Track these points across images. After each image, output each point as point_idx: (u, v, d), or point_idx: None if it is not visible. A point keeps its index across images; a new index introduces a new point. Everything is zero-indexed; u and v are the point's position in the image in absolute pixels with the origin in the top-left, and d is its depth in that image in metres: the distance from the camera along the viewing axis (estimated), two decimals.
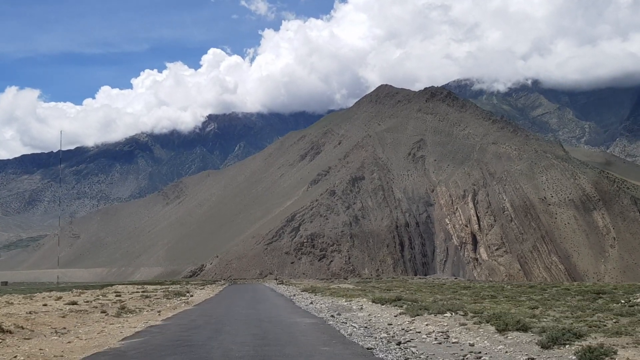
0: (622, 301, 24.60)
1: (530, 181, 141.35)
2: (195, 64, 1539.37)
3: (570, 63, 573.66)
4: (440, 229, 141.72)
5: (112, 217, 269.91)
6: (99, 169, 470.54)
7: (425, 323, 17.25)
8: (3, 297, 32.28)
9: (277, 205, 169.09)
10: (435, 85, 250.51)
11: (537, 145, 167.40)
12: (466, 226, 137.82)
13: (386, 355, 11.99)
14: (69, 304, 28.86)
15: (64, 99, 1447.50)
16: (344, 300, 30.36)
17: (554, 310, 20.42)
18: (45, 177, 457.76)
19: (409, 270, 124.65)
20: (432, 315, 18.78)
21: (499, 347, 12.64)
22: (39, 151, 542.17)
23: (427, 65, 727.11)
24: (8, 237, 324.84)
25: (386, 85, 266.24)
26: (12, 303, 28.27)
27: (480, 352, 12.26)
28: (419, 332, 15.61)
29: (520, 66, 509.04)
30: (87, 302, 31.10)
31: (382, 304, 25.08)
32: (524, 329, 13.91)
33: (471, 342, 13.54)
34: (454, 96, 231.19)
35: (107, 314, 22.94)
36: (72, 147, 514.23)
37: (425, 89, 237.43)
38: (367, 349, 12.78)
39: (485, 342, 13.47)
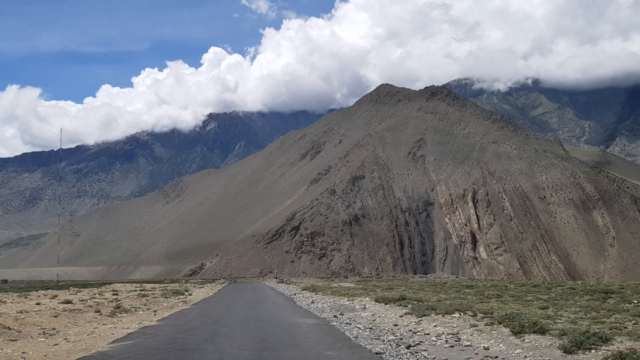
0: (635, 301, 23.79)
1: (530, 180, 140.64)
2: (195, 63, 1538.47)
3: (571, 62, 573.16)
4: (439, 228, 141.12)
5: (112, 215, 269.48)
6: (100, 167, 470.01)
7: (434, 324, 16.40)
8: None
9: (278, 204, 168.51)
10: (436, 85, 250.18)
11: (537, 144, 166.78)
12: (466, 225, 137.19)
13: None
14: (63, 302, 28.09)
15: (64, 97, 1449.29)
16: (346, 299, 29.54)
17: (566, 311, 19.59)
18: (46, 176, 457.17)
19: (409, 269, 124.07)
20: (440, 315, 17.93)
21: (516, 352, 11.72)
22: (39, 149, 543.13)
23: (427, 64, 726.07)
24: (8, 235, 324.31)
25: (387, 84, 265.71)
26: (4, 302, 27.46)
27: (497, 357, 11.36)
28: (428, 334, 14.74)
29: (520, 65, 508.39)
30: (82, 301, 30.29)
31: (386, 304, 24.26)
32: (541, 331, 12.99)
33: (485, 345, 12.63)
34: (454, 95, 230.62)
35: (101, 314, 22.10)
36: (73, 146, 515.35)
37: (426, 88, 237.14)
38: (376, 353, 11.89)
39: (501, 345, 12.55)
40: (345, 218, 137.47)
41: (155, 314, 22.26)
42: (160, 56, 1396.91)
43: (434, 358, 11.46)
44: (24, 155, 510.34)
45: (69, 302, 28.41)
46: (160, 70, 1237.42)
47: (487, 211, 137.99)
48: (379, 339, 13.87)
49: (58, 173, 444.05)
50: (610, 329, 13.41)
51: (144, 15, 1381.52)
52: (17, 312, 21.58)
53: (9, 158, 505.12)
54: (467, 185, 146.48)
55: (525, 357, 11.24)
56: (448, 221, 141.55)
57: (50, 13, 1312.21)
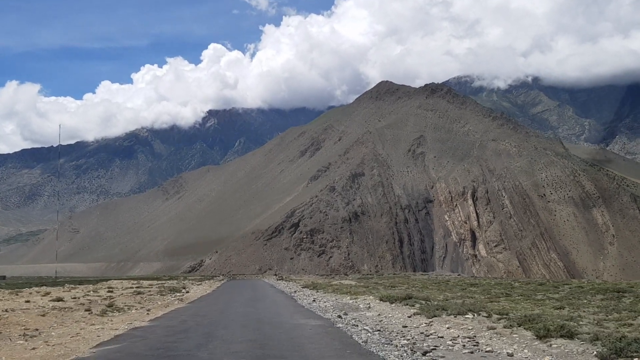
0: None
1: (529, 178, 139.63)
2: (195, 59, 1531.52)
3: (571, 60, 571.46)
4: (439, 226, 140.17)
5: (111, 212, 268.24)
6: (99, 163, 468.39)
7: (446, 326, 15.23)
8: None
9: (277, 201, 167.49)
10: (436, 82, 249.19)
11: (536, 142, 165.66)
12: (465, 223, 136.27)
13: None
14: (54, 300, 26.97)
15: (64, 93, 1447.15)
16: (348, 297, 28.40)
17: (584, 311, 18.44)
18: (45, 172, 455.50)
19: (408, 267, 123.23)
20: (452, 316, 16.77)
21: (545, 359, 10.55)
22: (39, 145, 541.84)
23: (427, 61, 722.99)
24: (8, 231, 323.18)
25: (386, 81, 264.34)
26: None
27: None
28: (442, 337, 13.55)
29: (520, 63, 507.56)
30: (75, 298, 29.15)
31: (392, 303, 23.11)
32: (569, 335, 11.77)
33: (509, 351, 11.43)
34: (454, 93, 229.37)
35: (92, 313, 20.92)
36: (72, 142, 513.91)
37: (426, 85, 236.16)
38: None
39: (526, 351, 11.34)
40: (344, 215, 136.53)
41: (148, 313, 21.09)
42: (160, 52, 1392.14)
43: None
44: (24, 151, 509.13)
45: (60, 299, 27.28)
46: (160, 66, 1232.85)
47: (486, 209, 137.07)
48: (391, 344, 12.60)
49: (57, 169, 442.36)
50: None
51: (144, 11, 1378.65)
52: (2, 310, 20.41)
53: (9, 154, 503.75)
54: (466, 182, 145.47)
55: None
56: (447, 219, 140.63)
57: (49, 9, 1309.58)
